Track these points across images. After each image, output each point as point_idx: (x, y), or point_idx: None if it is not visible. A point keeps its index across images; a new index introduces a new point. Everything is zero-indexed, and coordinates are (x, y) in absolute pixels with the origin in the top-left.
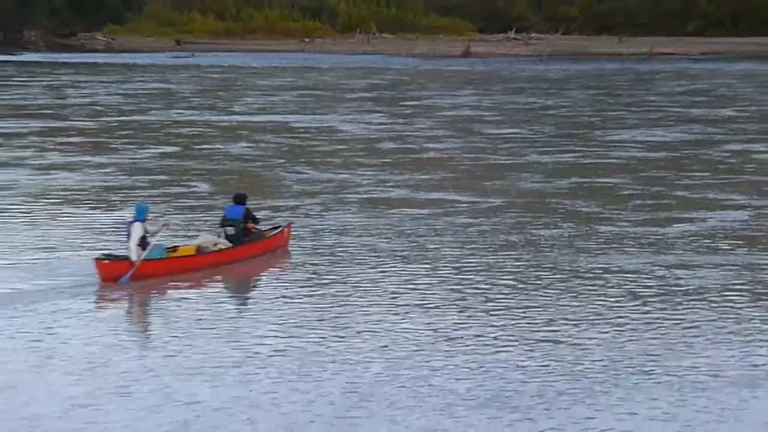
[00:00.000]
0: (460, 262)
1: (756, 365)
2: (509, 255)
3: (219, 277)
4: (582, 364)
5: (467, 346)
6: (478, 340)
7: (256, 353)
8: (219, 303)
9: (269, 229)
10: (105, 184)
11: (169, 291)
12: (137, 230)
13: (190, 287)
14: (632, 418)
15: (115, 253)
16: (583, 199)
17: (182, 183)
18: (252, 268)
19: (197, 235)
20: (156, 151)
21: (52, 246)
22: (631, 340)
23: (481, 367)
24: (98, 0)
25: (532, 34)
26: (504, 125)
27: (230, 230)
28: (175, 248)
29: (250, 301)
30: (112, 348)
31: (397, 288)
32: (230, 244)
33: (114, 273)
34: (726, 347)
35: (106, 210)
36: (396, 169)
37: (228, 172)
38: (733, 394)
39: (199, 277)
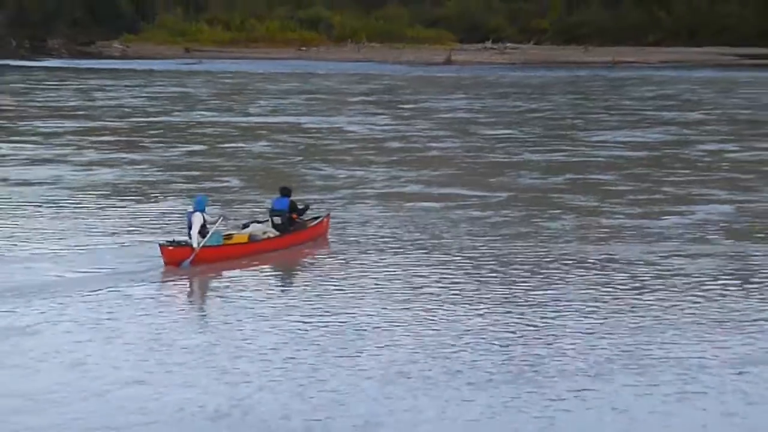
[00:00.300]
0: (477, 251)
1: (755, 346)
2: (521, 245)
3: (268, 263)
4: (596, 344)
5: (489, 327)
6: (499, 322)
7: (301, 333)
8: (268, 287)
9: (310, 219)
10: (143, 179)
11: (224, 275)
12: (198, 219)
13: (243, 272)
14: (649, 397)
15: (177, 239)
16: (580, 194)
17: (214, 178)
18: (296, 254)
19: (248, 225)
20: (184, 149)
21: (109, 234)
22: (639, 323)
23: (504, 346)
24: (115, 11)
25: (508, 44)
26: (497, 126)
27: (277, 220)
28: (230, 236)
29: (295, 285)
30: (172, 328)
31: (421, 274)
32: (277, 233)
33: (177, 258)
34: (726, 329)
35: (148, 203)
36: (404, 166)
37: (253, 169)
38: (737, 373)
39: (250, 262)
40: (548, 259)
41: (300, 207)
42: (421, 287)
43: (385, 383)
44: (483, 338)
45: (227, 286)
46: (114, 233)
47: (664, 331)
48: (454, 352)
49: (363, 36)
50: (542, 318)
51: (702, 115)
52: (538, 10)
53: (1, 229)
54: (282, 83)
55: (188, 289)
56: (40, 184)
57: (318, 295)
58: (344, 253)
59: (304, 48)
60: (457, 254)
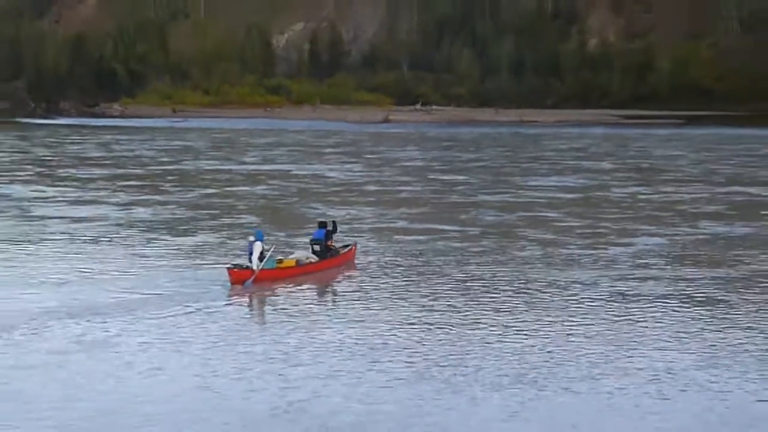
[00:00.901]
0: (466, 275)
1: (711, 352)
2: (501, 270)
3: (311, 283)
4: (579, 352)
5: (488, 338)
6: (497, 335)
7: (339, 342)
8: (311, 302)
9: (342, 247)
10: (173, 217)
11: (277, 292)
12: (258, 248)
13: (292, 289)
14: (634, 396)
15: (239, 263)
16: (536, 229)
17: (232, 215)
18: (332, 275)
19: (293, 252)
20: (200, 192)
21: (163, 260)
22: (610, 335)
23: (504, 353)
24: (115, 78)
25: (433, 107)
26: (450, 173)
27: (316, 248)
28: (281, 260)
29: (331, 301)
30: (235, 337)
31: (425, 294)
32: (317, 258)
33: (241, 278)
34: (682, 339)
35: (184, 236)
36: (384, 205)
37: (261, 208)
38: (703, 374)
39: (298, 281)
40: (525, 282)
41: (331, 230)
42: (426, 304)
43: (414, 383)
44: (485, 347)
45: (279, 302)
46: (166, 260)
47: (631, 341)
48: (464, 359)
49: (317, 99)
50: (532, 331)
51: (611, 164)
52: (456, 79)
53: (71, 257)
54: (262, 138)
55: (249, 304)
56: (90, 221)
57: (349, 310)
58: (359, 277)
59: (269, 109)
60: (450, 278)
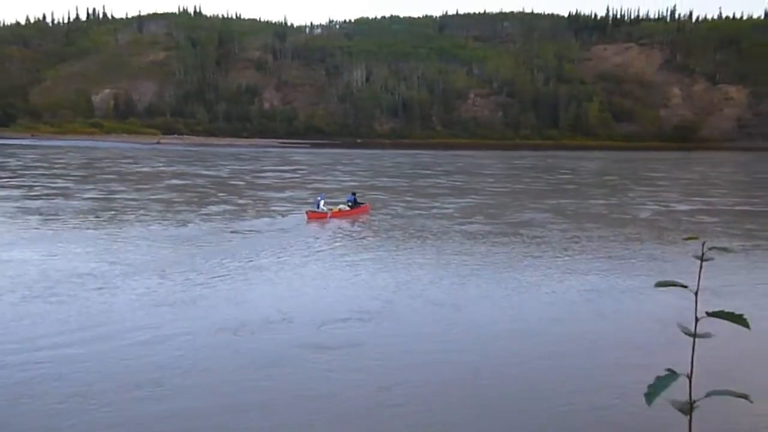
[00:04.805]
0: (399, 217)
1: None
2: (399, 214)
3: (350, 220)
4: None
5: (458, 256)
6: (463, 255)
7: (373, 249)
8: (352, 230)
9: (362, 204)
10: (204, 191)
11: (334, 224)
12: (321, 202)
13: (342, 223)
14: (478, 276)
15: (312, 210)
16: (391, 198)
17: (252, 190)
18: (358, 217)
19: (339, 205)
20: (192, 180)
21: (245, 213)
22: (459, 250)
23: (474, 256)
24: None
25: (184, 135)
26: (276, 171)
27: (350, 203)
28: (331, 209)
29: (362, 230)
30: (324, 245)
31: (401, 224)
32: (349, 208)
33: (314, 217)
34: (483, 244)
35: (228, 202)
36: (276, 190)
37: (264, 188)
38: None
39: (343, 220)
40: (423, 228)
41: (357, 197)
42: (414, 231)
43: (436, 303)
44: (465, 256)
45: (338, 227)
46: (245, 213)
47: (464, 251)
48: (453, 260)
49: (120, 131)
50: (433, 247)
51: (346, 167)
52: (197, 122)
53: (197, 209)
54: (140, 153)
55: (319, 231)
56: (166, 202)
57: (371, 234)
58: (371, 218)
59: (92, 135)
60: (405, 226)
